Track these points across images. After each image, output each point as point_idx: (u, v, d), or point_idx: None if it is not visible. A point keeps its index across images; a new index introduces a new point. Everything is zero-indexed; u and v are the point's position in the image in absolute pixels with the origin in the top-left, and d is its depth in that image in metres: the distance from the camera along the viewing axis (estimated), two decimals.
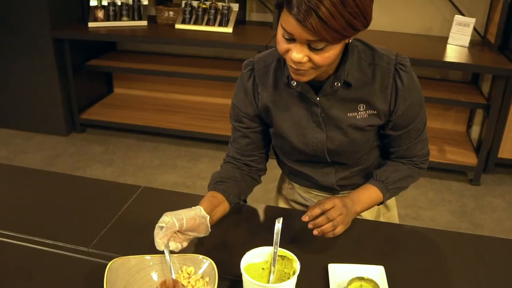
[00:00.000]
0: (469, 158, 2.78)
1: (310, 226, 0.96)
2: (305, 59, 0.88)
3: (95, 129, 3.33)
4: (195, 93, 3.48)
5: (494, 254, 1.07)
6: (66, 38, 2.97)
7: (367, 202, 1.08)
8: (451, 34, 2.77)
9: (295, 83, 1.00)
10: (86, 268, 0.98)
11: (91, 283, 0.93)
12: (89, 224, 1.12)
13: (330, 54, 0.88)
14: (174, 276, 0.87)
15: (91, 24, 3.03)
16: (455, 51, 2.68)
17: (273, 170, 1.39)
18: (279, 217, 0.89)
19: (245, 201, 1.17)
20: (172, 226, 0.89)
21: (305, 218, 0.96)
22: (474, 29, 2.78)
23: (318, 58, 0.88)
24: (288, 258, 0.87)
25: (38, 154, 3.01)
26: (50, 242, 1.05)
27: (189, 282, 0.90)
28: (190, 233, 0.94)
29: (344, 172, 1.14)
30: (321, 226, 0.96)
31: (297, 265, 0.84)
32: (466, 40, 2.72)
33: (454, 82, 3.02)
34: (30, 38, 2.97)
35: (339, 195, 1.19)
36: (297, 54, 0.87)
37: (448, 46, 2.75)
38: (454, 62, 2.54)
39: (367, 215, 1.23)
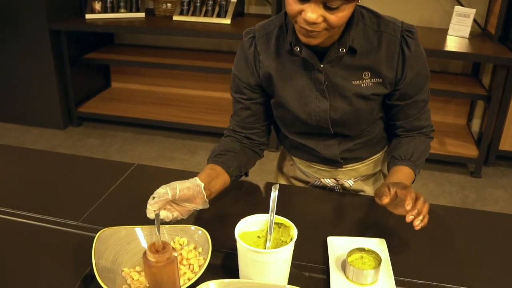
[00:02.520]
0: (469, 150, 2.75)
1: (410, 218, 0.83)
2: (320, 19, 0.86)
3: (92, 122, 3.30)
4: (193, 87, 3.45)
5: (496, 228, 1.05)
6: (63, 30, 2.94)
7: (406, 182, 1.00)
8: (451, 25, 2.74)
9: (298, 49, 0.98)
10: (75, 241, 0.95)
11: (80, 255, 0.89)
12: (80, 200, 1.09)
13: (344, 14, 0.86)
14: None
15: (88, 16, 3.01)
16: (456, 41, 2.66)
17: (272, 162, 1.36)
18: (276, 187, 0.86)
19: (246, 174, 1.14)
20: (165, 194, 0.86)
21: (408, 205, 0.83)
22: (475, 20, 2.76)
23: (333, 17, 0.86)
24: (285, 226, 0.83)
25: (35, 148, 2.97)
26: (39, 216, 1.02)
27: (181, 254, 0.86)
28: (187, 205, 0.91)
29: (348, 144, 1.11)
30: (421, 213, 0.84)
31: (294, 232, 0.80)
32: (466, 31, 2.70)
33: (454, 74, 3.00)
34: (27, 30, 2.94)
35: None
36: (312, 14, 0.85)
37: (448, 37, 2.72)
38: (454, 51, 2.51)
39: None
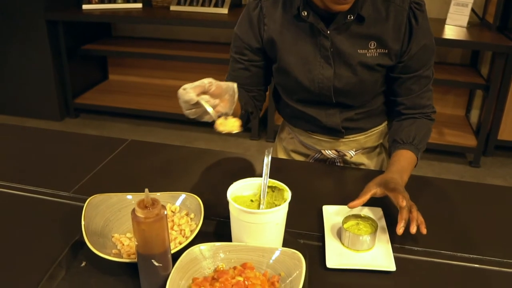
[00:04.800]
0: (468, 140, 2.73)
1: (400, 231, 0.81)
2: None
3: (89, 114, 3.28)
4: (191, 79, 3.37)
5: (493, 199, 1.04)
6: (59, 20, 2.93)
7: (410, 168, 1.00)
8: (449, 15, 2.73)
9: (306, 13, 0.97)
10: (66, 210, 0.94)
11: (70, 224, 0.87)
12: (73, 172, 1.08)
13: None
14: (215, 118, 0.83)
15: (85, 6, 3.00)
16: (454, 30, 2.64)
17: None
18: (269, 151, 0.85)
19: (249, 119, 1.10)
20: (201, 83, 0.82)
21: (402, 202, 0.82)
22: (473, 10, 2.75)
23: None
24: (279, 189, 0.81)
25: None
26: (31, 188, 1.01)
27: (172, 220, 0.84)
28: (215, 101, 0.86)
29: (349, 113, 1.10)
30: (413, 218, 0.82)
31: (288, 194, 0.78)
32: (464, 20, 2.69)
33: (453, 65, 2.98)
34: (23, 20, 2.92)
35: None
36: None
37: (446, 26, 2.71)
38: (453, 39, 2.50)
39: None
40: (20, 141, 1.26)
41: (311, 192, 1.03)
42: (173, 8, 2.96)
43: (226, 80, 1.12)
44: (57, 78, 3.09)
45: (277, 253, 0.73)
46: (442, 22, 2.77)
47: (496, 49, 2.49)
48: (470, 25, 2.71)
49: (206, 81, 0.83)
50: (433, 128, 1.11)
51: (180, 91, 0.82)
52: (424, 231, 0.82)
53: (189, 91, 0.80)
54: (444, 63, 3.00)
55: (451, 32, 2.61)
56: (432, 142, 2.75)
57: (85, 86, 3.35)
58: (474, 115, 3.06)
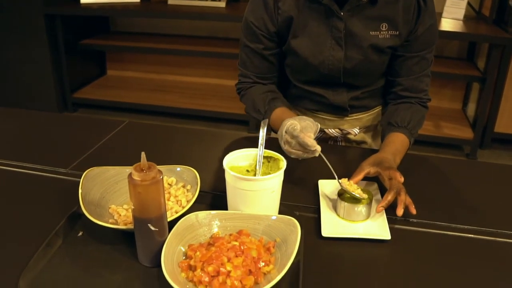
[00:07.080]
0: (465, 133, 2.74)
1: (380, 209, 0.82)
2: None
3: (87, 108, 3.28)
4: (189, 74, 3.44)
5: (487, 175, 1.05)
6: (58, 14, 2.93)
7: (403, 151, 1.02)
8: (445, 8, 2.75)
9: None
10: (64, 186, 0.94)
11: (67, 199, 0.88)
12: (70, 151, 1.08)
13: None
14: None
15: (83, 0, 3.00)
16: (450, 23, 2.66)
17: None
18: (265, 123, 0.85)
19: None
20: (312, 128, 0.87)
21: (401, 177, 0.85)
22: (469, 5, 2.76)
23: None
24: (274, 159, 0.82)
25: None
26: (30, 165, 1.01)
27: (169, 192, 0.85)
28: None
29: (355, 92, 1.12)
30: (401, 201, 0.83)
31: (283, 163, 0.79)
32: (460, 13, 2.71)
33: (450, 58, 3.00)
34: (21, 15, 2.93)
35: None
36: None
37: (443, 19, 2.73)
38: (449, 31, 2.51)
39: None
40: (21, 124, 1.26)
41: (308, 168, 1.03)
42: (171, 2, 2.97)
43: (247, 72, 1.13)
44: (55, 73, 3.09)
45: (272, 220, 0.74)
46: (438, 16, 2.79)
47: (492, 40, 2.51)
48: (467, 19, 2.73)
49: (313, 125, 0.88)
50: (430, 121, 1.13)
51: (307, 139, 0.84)
52: (413, 211, 0.83)
53: (312, 139, 0.85)
54: (441, 56, 3.02)
55: (447, 25, 2.63)
56: (429, 135, 2.76)
57: (83, 81, 3.36)
58: (471, 109, 3.08)
